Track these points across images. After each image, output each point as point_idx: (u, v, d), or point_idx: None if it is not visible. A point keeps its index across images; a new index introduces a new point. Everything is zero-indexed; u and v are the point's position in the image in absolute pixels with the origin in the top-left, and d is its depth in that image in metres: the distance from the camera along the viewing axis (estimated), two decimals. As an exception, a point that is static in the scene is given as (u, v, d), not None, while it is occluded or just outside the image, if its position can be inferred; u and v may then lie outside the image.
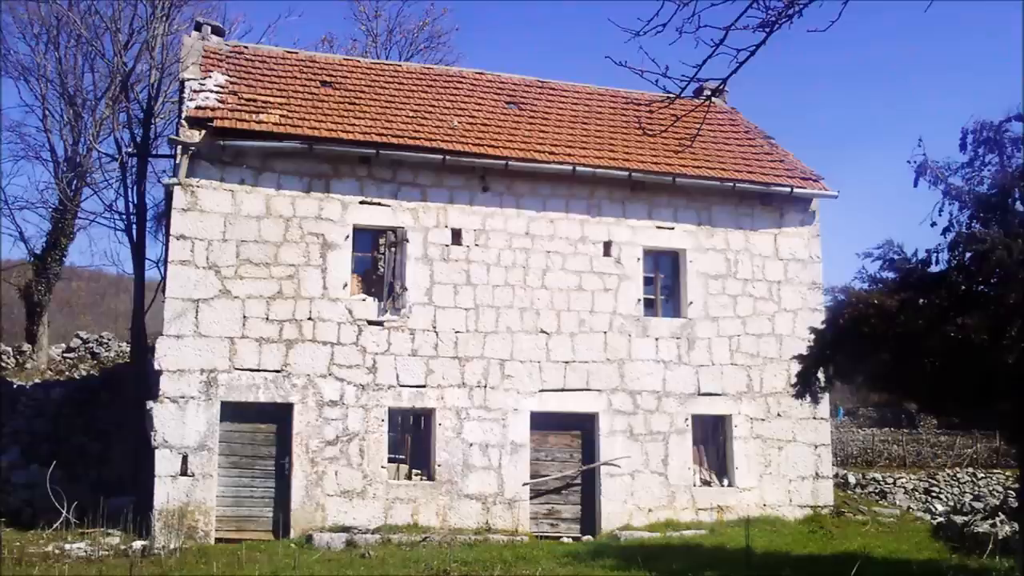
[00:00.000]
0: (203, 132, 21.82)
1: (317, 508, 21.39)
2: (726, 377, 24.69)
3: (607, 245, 24.36)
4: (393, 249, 22.90)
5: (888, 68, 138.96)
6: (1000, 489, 31.28)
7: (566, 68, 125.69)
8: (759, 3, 8.82)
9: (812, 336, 17.83)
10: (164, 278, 23.63)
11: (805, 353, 17.80)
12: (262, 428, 21.72)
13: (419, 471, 22.58)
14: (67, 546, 18.56)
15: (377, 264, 22.99)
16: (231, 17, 54.63)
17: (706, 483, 24.42)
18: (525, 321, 23.45)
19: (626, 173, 24.35)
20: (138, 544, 18.99)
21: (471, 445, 22.64)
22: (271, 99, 23.74)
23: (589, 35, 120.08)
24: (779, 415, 24.88)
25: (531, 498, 23.04)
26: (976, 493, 30.66)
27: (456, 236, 23.31)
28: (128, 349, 31.76)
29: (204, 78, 23.80)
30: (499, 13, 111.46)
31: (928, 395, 17.21)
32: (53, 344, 36.19)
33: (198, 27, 26.30)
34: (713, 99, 25.37)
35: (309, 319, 21.97)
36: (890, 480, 31.08)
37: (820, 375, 17.44)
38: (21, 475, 24.89)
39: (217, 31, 26.68)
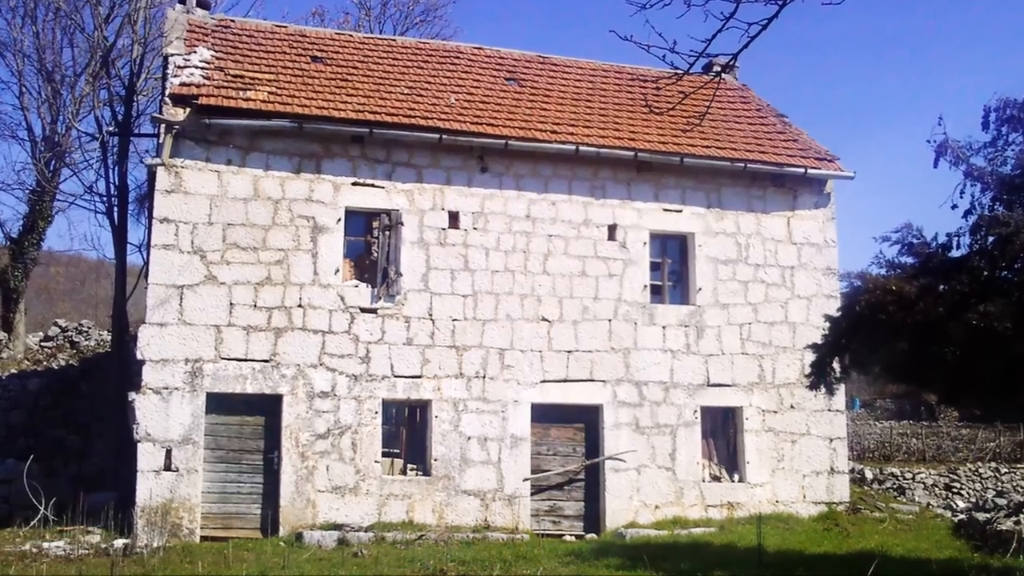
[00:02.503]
0: (187, 110, 21.81)
1: (307, 504, 21.42)
2: (736, 367, 24.70)
3: (612, 229, 24.35)
4: (387, 233, 22.89)
5: (906, 42, 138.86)
6: (1024, 485, 31.32)
7: (568, 43, 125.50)
8: (771, -27, 8.81)
9: (827, 324, 17.84)
10: (147, 263, 23.65)
11: (820, 342, 17.81)
12: (250, 421, 21.73)
13: (414, 466, 22.61)
14: (45, 544, 18.56)
15: (370, 249, 23.00)
16: (217, -11, 54.40)
17: (715, 478, 24.45)
18: (526, 308, 23.45)
19: (632, 153, 24.34)
20: (119, 543, 19.02)
21: (469, 439, 22.66)
22: (259, 75, 23.70)
23: (593, 8, 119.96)
24: (792, 407, 24.90)
25: (532, 494, 23.07)
26: (999, 489, 30.65)
27: (453, 219, 23.31)
28: (109, 338, 31.75)
29: (188, 53, 23.75)
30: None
31: (948, 386, 17.23)
32: (30, 333, 36.17)
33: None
34: (723, 75, 25.29)
35: (299, 306, 21.97)
36: (909, 475, 31.09)
37: (835, 365, 17.47)
38: (-3, 470, 24.94)
39: (202, 4, 26.60)
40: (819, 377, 17.54)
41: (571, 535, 22.90)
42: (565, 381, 23.53)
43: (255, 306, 21.71)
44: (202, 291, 21.42)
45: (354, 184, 22.75)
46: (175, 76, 22.73)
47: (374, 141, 22.91)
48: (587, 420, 23.79)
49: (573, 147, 23.94)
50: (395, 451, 22.61)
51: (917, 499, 28.97)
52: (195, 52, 23.86)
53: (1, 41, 35.17)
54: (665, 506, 23.63)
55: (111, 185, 30.83)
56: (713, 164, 25.02)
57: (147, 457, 20.62)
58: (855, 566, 16.80)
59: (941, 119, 17.32)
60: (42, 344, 34.39)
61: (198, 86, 22.49)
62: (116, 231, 30.15)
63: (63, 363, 31.99)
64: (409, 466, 22.58)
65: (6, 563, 17.04)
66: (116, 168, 30.62)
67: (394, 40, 29.88)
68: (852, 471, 27.78)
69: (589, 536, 22.89)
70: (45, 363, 32.23)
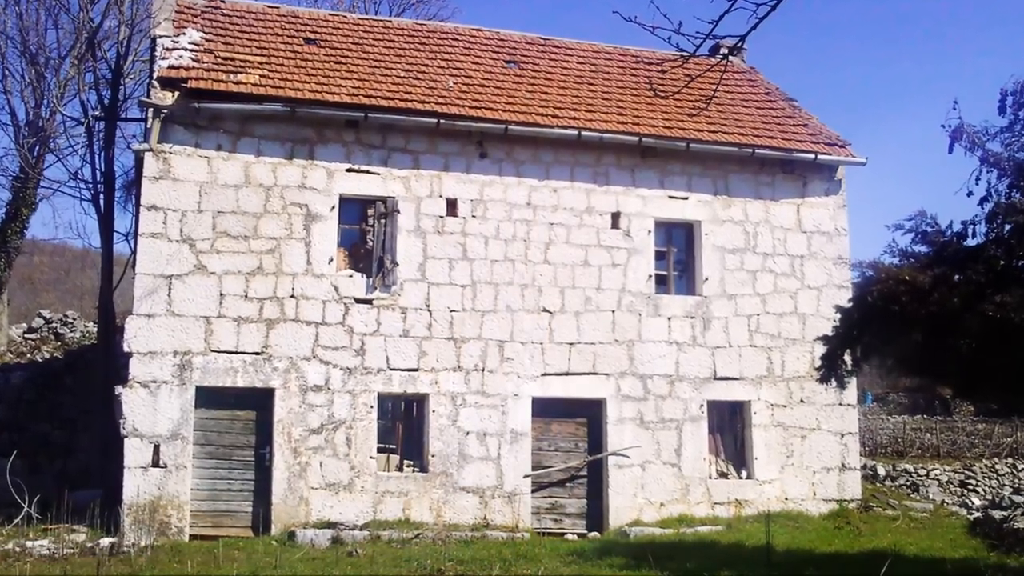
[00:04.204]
0: (176, 94, 21.77)
1: (300, 502, 21.43)
2: (744, 360, 24.70)
3: (615, 216, 24.34)
4: (383, 221, 22.88)
5: (920, 23, 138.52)
6: (1042, 482, 31.29)
7: (570, 24, 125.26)
8: (781, -48, 8.79)
9: (838, 315, 17.84)
10: (134, 252, 23.67)
11: (830, 334, 17.81)
12: (240, 415, 21.75)
13: (411, 462, 22.62)
14: (29, 543, 18.54)
15: (365, 237, 22.99)
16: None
17: (723, 475, 24.46)
18: (526, 299, 23.45)
19: (636, 138, 24.32)
20: (106, 541, 19.01)
21: (468, 434, 22.66)
22: (250, 58, 23.68)
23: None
24: (802, 401, 24.90)
25: (533, 491, 23.08)
26: (1016, 486, 30.64)
27: (451, 207, 23.30)
28: (95, 329, 31.75)
29: (177, 35, 23.73)
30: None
31: (964, 379, 17.25)
32: (13, 324, 36.18)
33: (170, -21, 26.18)
34: (730, 58, 25.04)
35: (292, 297, 21.96)
36: (923, 472, 31.07)
37: (847, 357, 17.46)
38: (-21, 466, 24.94)
39: (191, -17, 26.57)
40: (830, 370, 17.53)
41: (573, 534, 22.90)
42: (567, 374, 23.53)
43: (246, 297, 21.70)
44: (191, 281, 21.41)
45: (348, 170, 22.74)
46: (163, 59, 22.71)
47: (369, 126, 22.89)
48: (590, 415, 23.80)
49: (575, 132, 23.92)
50: (391, 447, 22.61)
51: (931, 496, 28.96)
52: (184, 34, 23.84)
53: (-17, 23, 35.12)
54: (670, 503, 23.64)
55: (97, 171, 30.79)
56: (720, 149, 25.00)
57: (134, 453, 20.63)
58: (867, 566, 16.79)
59: (956, 103, 17.33)
60: (26, 336, 34.42)
61: (187, 69, 22.47)
62: (102, 219, 30.10)
63: (47, 356, 32.03)
64: (405, 462, 22.59)
65: (-11, 562, 17.07)
66: (102, 154, 30.59)
67: (390, 21, 29.86)
68: (864, 467, 27.76)
69: (592, 535, 22.91)
70: (29, 355, 32.26)
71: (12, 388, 28.63)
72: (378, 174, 22.91)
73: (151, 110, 21.77)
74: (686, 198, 24.90)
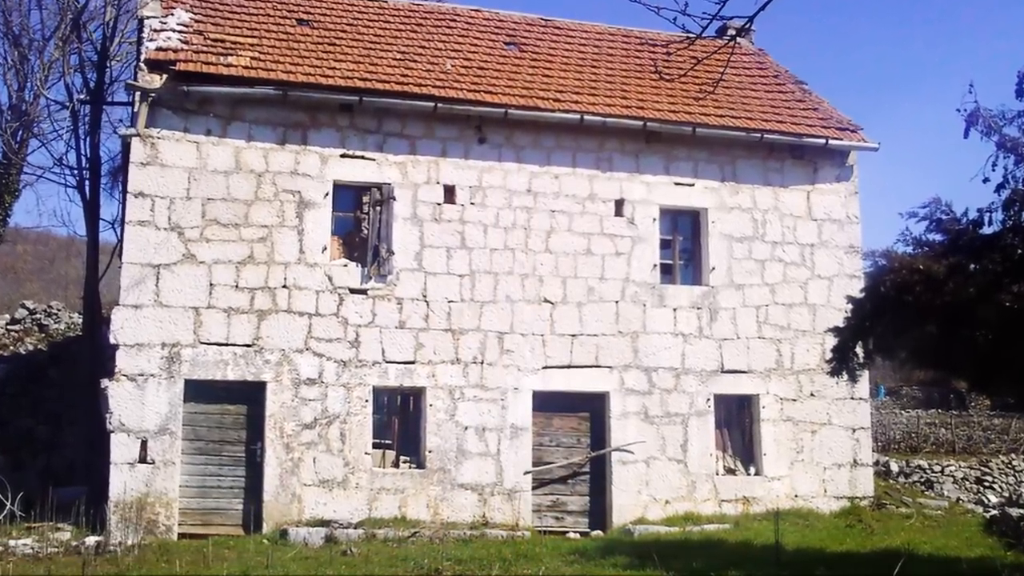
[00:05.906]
0: (164, 77, 21.74)
1: (293, 499, 21.43)
2: (753, 352, 24.69)
3: (619, 204, 24.32)
4: (378, 208, 22.86)
5: (934, 3, 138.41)
6: (1060, 478, 31.27)
7: (572, 5, 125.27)
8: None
9: (850, 306, 17.84)
10: (121, 241, 23.67)
11: (842, 325, 17.80)
12: (231, 409, 21.74)
13: (408, 458, 22.61)
14: (12, 542, 18.57)
15: (360, 225, 22.97)
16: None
17: (730, 471, 24.45)
18: (527, 289, 23.43)
19: (640, 123, 24.29)
20: (91, 540, 19.00)
21: (466, 429, 22.66)
22: (241, 40, 23.64)
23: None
24: (812, 395, 24.89)
25: (533, 488, 23.08)
26: (1033, 483, 30.67)
27: (449, 193, 23.28)
28: (80, 321, 31.74)
29: (165, 16, 23.69)
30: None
31: (979, 372, 17.21)
32: (-4, 315, 36.19)
33: (158, -43, 26.14)
34: (738, 39, 25.14)
35: (284, 287, 21.95)
36: (937, 468, 31.06)
37: (859, 350, 17.44)
38: (-40, 463, 24.95)
39: (179, -38, 26.52)
40: (841, 363, 17.52)
41: (575, 532, 22.93)
42: (569, 367, 23.52)
43: (237, 287, 21.68)
44: (180, 271, 21.39)
45: (343, 156, 22.72)
46: (151, 40, 22.66)
47: (364, 110, 22.86)
48: (592, 409, 23.79)
49: (578, 116, 23.89)
50: (387, 442, 22.61)
51: (946, 493, 28.98)
52: (172, 15, 23.78)
53: (-37, 4, 35.08)
54: (676, 501, 23.63)
55: (82, 157, 30.82)
56: (727, 134, 24.98)
57: (121, 449, 20.62)
58: (879, 565, 16.77)
59: (972, 86, 17.15)
60: (8, 327, 34.37)
61: (175, 51, 22.43)
62: (88, 206, 30.10)
63: (31, 348, 31.99)
64: (402, 458, 22.59)
65: (-30, 562, 17.07)
66: (88, 139, 30.62)
67: (385, 2, 29.76)
68: (876, 463, 27.79)
69: (595, 533, 22.93)
70: (12, 348, 32.22)
71: (-6, 382, 28.64)
72: (373, 160, 22.90)
73: (138, 93, 21.73)
74: (692, 184, 24.88)
